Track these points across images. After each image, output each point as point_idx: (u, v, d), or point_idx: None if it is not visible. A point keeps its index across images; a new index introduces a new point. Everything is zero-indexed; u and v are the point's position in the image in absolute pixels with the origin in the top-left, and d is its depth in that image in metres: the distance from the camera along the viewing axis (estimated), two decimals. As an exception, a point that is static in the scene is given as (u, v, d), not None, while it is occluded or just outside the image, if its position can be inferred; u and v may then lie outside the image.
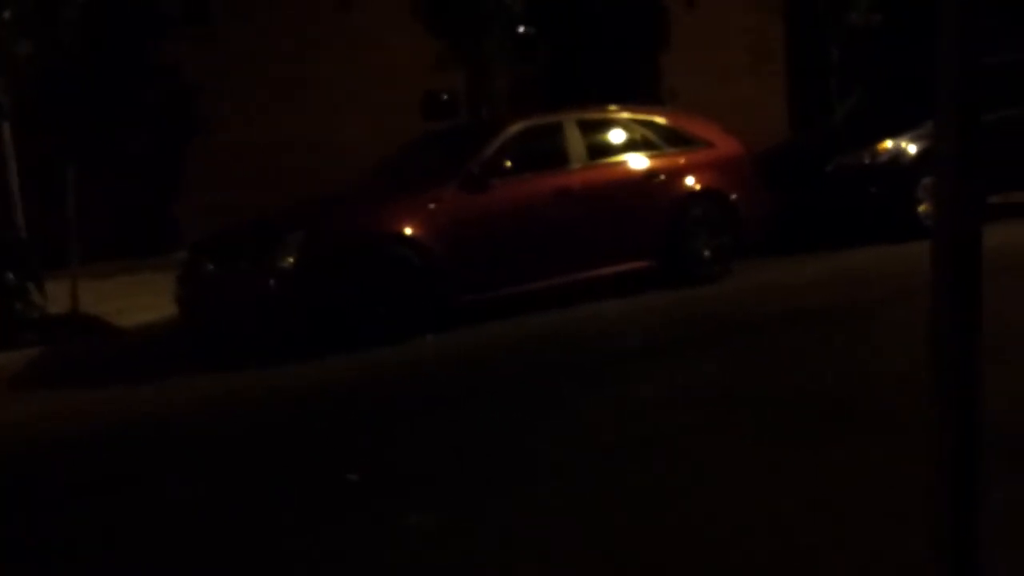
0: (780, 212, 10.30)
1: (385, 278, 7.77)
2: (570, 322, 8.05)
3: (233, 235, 8.38)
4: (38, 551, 4.16)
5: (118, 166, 11.69)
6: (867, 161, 10.89)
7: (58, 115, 8.97)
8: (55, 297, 9.01)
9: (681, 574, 3.29)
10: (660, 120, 9.70)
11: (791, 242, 10.63)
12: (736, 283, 9.13)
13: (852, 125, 12.39)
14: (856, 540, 3.35)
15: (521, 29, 13.25)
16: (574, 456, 4.63)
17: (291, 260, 7.63)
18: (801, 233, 10.92)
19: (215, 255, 8.12)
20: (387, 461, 4.86)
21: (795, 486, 3.93)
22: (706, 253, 9.31)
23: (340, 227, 8.05)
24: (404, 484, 4.47)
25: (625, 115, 9.54)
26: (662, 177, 9.25)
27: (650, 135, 9.45)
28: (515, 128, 8.88)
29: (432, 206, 8.18)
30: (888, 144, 10.86)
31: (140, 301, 9.46)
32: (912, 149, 10.70)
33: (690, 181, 9.37)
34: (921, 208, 10.47)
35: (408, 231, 7.98)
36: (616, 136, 9.36)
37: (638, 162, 9.24)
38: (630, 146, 9.32)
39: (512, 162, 8.57)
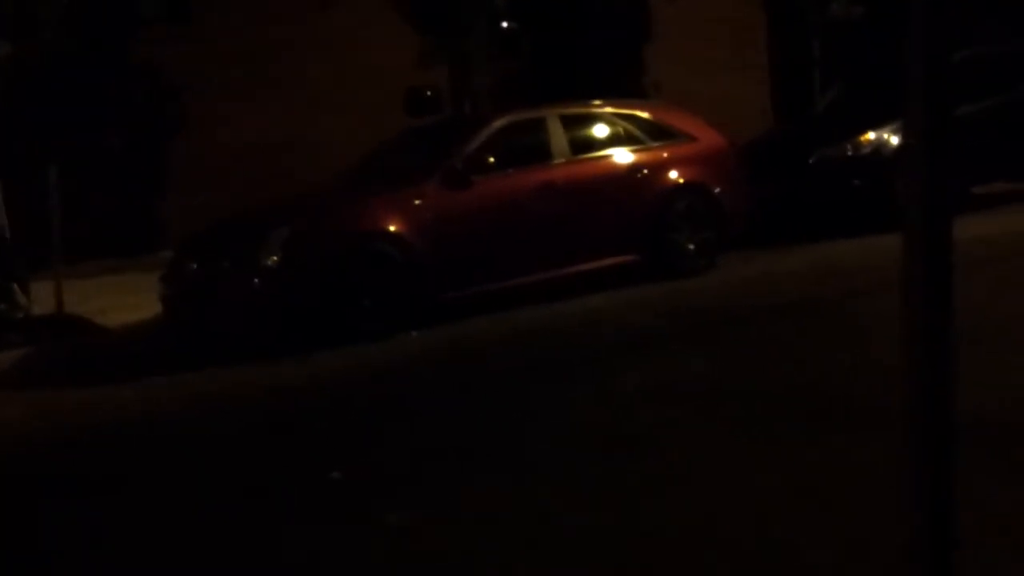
0: (763, 204, 10.32)
1: (369, 275, 7.76)
2: (555, 317, 8.06)
3: (216, 234, 8.37)
4: (24, 551, 4.15)
5: (101, 166, 11.65)
6: (850, 153, 10.92)
7: (39, 115, 8.94)
8: (39, 298, 8.99)
9: (669, 569, 3.30)
10: (643, 114, 9.71)
11: (775, 235, 10.65)
12: (720, 276, 9.15)
13: (834, 117, 12.42)
14: (842, 534, 3.36)
15: (504, 24, 13.26)
16: (559, 452, 4.64)
17: (275, 258, 7.62)
18: (785, 225, 10.93)
19: (199, 254, 8.11)
20: (372, 459, 4.86)
21: (782, 480, 3.94)
22: (690, 247, 9.32)
23: (323, 225, 8.04)
24: (389, 482, 4.48)
25: (608, 110, 9.55)
26: (645, 171, 9.26)
27: (633, 129, 9.46)
28: (497, 124, 8.88)
29: (415, 202, 8.17)
30: (870, 136, 10.89)
31: (125, 301, 9.43)
32: (894, 141, 10.72)
33: (674, 175, 9.38)
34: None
35: (392, 228, 7.97)
36: (599, 131, 9.37)
37: (621, 156, 9.25)
38: (613, 141, 9.33)
39: (495, 158, 8.56)
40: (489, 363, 6.88)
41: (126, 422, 6.27)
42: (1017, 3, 14.00)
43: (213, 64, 12.81)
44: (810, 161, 11.05)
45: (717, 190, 9.53)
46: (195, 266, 8.01)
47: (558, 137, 9.00)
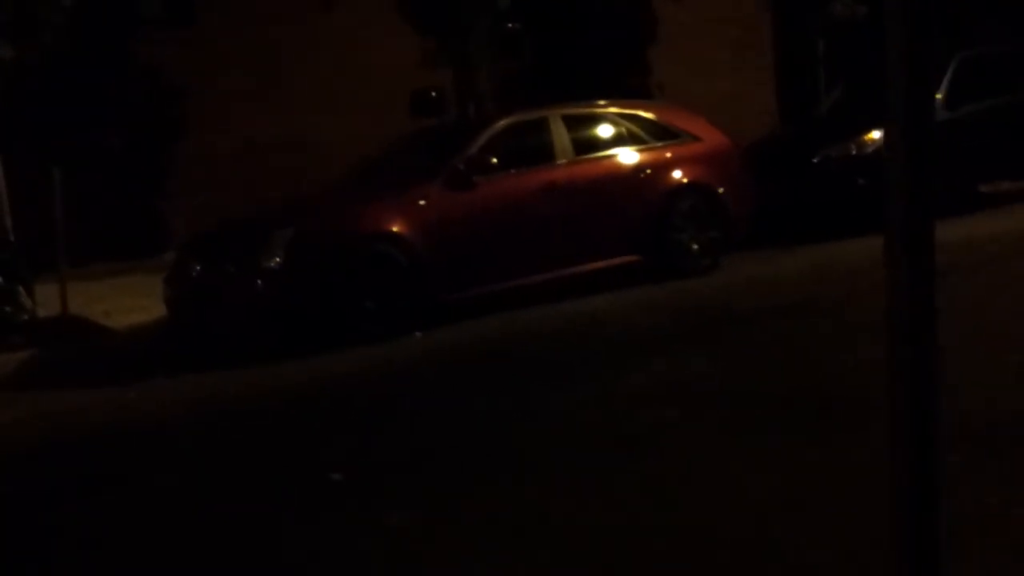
0: (767, 204, 10.30)
1: (372, 276, 7.77)
2: (559, 318, 8.06)
3: (219, 235, 8.38)
4: (28, 553, 4.16)
5: (105, 168, 11.68)
6: (854, 152, 10.90)
7: (42, 118, 8.97)
8: (44, 300, 9.01)
9: (669, 569, 3.30)
10: (647, 114, 9.70)
11: (779, 234, 10.63)
12: (724, 276, 9.14)
13: (838, 116, 12.40)
14: (842, 534, 3.36)
15: (507, 25, 13.26)
16: (560, 452, 4.64)
17: (277, 260, 7.64)
18: (789, 225, 10.91)
19: (202, 256, 8.12)
20: (374, 460, 4.87)
21: (782, 480, 3.94)
22: (694, 247, 9.31)
23: (326, 226, 8.05)
24: (389, 482, 4.48)
25: (611, 110, 9.54)
26: (649, 171, 9.25)
27: (637, 129, 9.45)
28: (500, 124, 8.88)
29: (418, 204, 8.18)
30: (875, 135, 10.86)
31: (129, 302, 9.45)
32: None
33: (677, 175, 9.37)
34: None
35: (395, 229, 7.98)
36: (602, 131, 9.36)
37: (625, 157, 9.25)
38: (617, 141, 9.32)
39: (498, 158, 8.56)
40: (491, 364, 6.88)
41: (130, 423, 6.29)
42: (1021, 3, 13.97)
43: (215, 65, 12.83)
44: (814, 161, 11.02)
45: (721, 190, 9.52)
46: (198, 268, 8.02)
47: (561, 137, 9.00)
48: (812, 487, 3.84)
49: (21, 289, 8.77)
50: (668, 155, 9.42)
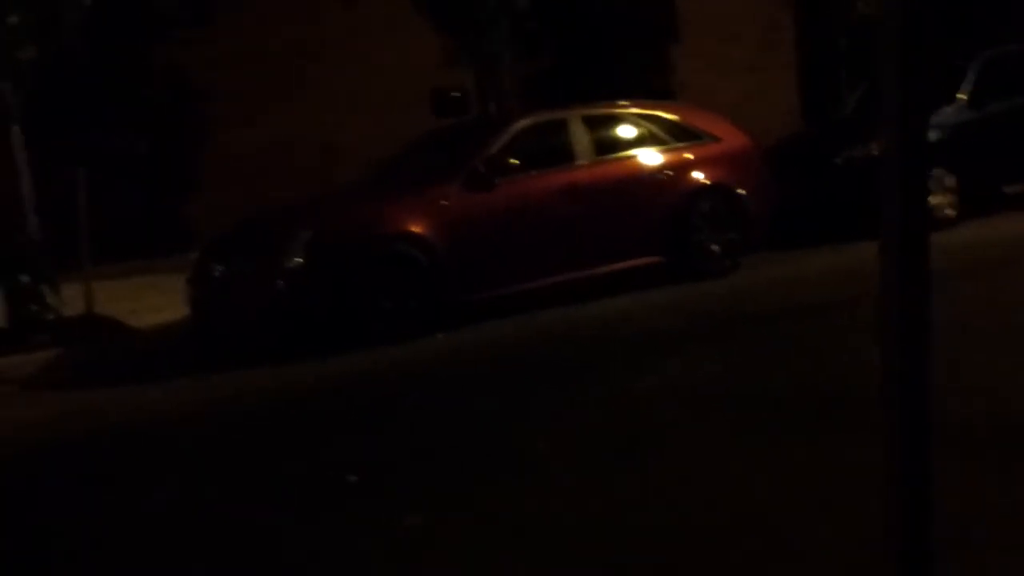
0: (790, 205, 10.26)
1: (393, 277, 7.80)
2: (578, 319, 8.06)
3: (240, 235, 8.43)
4: (49, 551, 4.21)
5: (128, 168, 11.76)
6: (876, 153, 10.80)
7: (64, 118, 9.04)
8: (69, 299, 9.09)
9: (669, 569, 3.30)
10: (667, 115, 9.68)
11: (800, 236, 10.60)
12: (745, 277, 9.12)
13: (861, 116, 12.34)
14: (842, 534, 3.36)
15: (528, 24, 13.24)
16: (563, 452, 4.64)
17: (298, 260, 7.68)
18: (810, 226, 10.87)
19: (223, 256, 8.17)
20: (389, 461, 4.89)
21: (783, 482, 3.93)
22: (714, 248, 9.30)
23: (347, 227, 8.07)
24: (391, 482, 4.50)
25: (632, 110, 9.53)
26: (669, 172, 9.24)
27: (657, 130, 9.43)
28: (520, 125, 8.89)
29: (439, 204, 8.20)
30: (897, 135, 10.80)
31: (153, 302, 9.53)
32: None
33: (698, 176, 9.36)
34: (931, 200, 10.43)
35: (415, 230, 8.00)
36: (623, 132, 9.36)
37: (645, 157, 9.24)
38: (637, 142, 9.31)
39: (518, 159, 8.58)
40: (505, 365, 6.88)
41: (152, 423, 6.34)
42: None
43: (237, 66, 12.89)
44: (836, 161, 10.98)
45: (742, 191, 9.49)
46: (220, 268, 8.07)
47: (581, 138, 9.00)
48: (814, 487, 3.84)
49: (46, 288, 8.85)
50: (689, 156, 9.40)
